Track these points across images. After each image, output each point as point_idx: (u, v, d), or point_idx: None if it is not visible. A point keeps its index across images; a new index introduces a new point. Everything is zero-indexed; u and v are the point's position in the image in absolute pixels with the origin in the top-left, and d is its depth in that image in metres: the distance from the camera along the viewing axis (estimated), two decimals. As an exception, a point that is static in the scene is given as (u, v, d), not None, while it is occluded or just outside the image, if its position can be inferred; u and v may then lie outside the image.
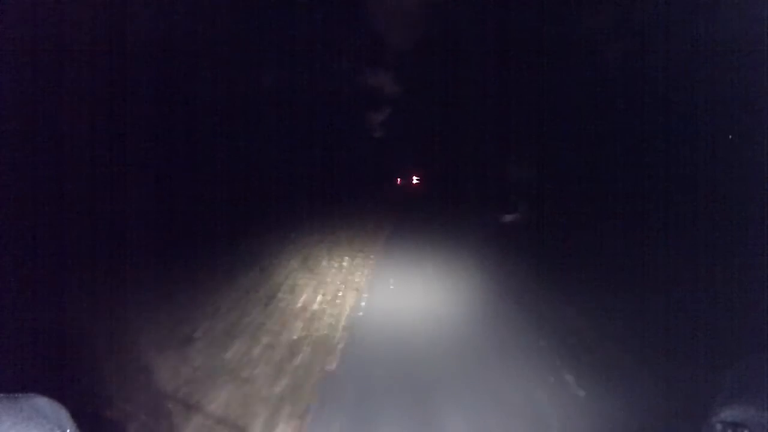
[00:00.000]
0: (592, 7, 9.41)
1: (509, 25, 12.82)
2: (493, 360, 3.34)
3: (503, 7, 13.19)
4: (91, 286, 4.93)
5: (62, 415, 0.60)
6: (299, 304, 4.57)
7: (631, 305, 4.43)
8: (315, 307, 4.49)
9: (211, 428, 2.56)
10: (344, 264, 6.23)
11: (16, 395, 0.57)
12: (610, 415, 2.62)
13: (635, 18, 8.07)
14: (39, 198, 6.00)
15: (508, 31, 12.90)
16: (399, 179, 24.37)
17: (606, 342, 3.66)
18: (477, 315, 4.28)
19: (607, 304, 4.49)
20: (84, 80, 7.27)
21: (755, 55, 5.00)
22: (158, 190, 8.19)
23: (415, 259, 6.72)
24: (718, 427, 0.62)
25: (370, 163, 21.93)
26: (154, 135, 8.12)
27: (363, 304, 4.58)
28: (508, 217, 10.71)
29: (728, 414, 0.62)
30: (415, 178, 23.98)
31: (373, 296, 4.84)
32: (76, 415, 0.64)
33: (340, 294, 4.89)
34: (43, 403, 0.58)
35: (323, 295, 4.85)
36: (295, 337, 3.77)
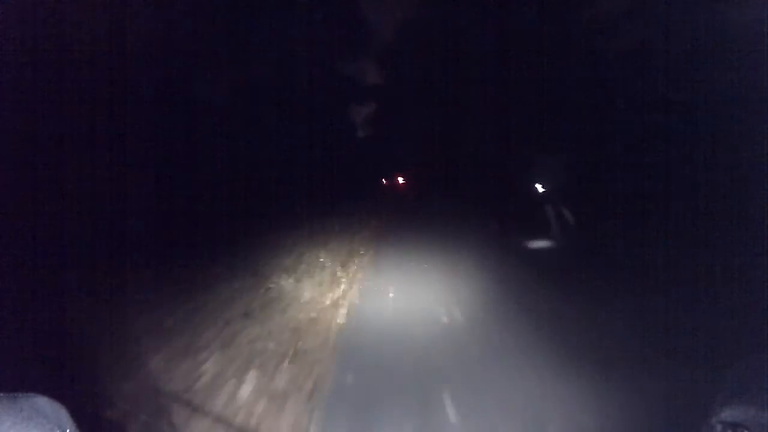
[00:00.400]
0: (591, 5, 9.41)
1: (507, 20, 12.54)
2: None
3: (498, 3, 13.02)
4: (91, 286, 4.93)
5: (62, 415, 0.60)
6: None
7: (630, 305, 4.42)
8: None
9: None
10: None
11: (16, 395, 0.57)
12: (610, 415, 2.62)
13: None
14: (39, 198, 5.99)
15: (506, 24, 12.59)
16: (387, 185, 23.33)
17: (606, 341, 3.66)
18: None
19: (607, 304, 4.49)
20: (83, 80, 7.27)
21: (755, 55, 5.00)
22: (154, 189, 8.18)
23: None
24: (718, 427, 0.62)
25: (355, 166, 20.80)
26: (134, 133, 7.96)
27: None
28: (538, 245, 7.23)
29: (728, 414, 0.62)
30: (401, 178, 22.88)
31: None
32: (76, 415, 0.64)
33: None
34: (43, 403, 0.58)
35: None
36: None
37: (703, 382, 2.51)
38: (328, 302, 4.74)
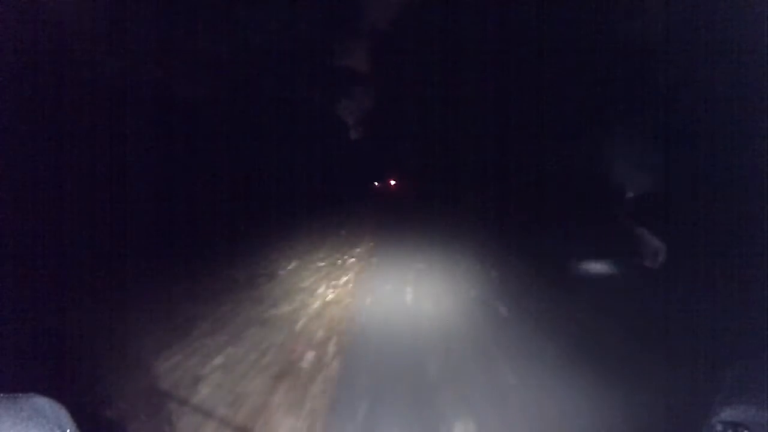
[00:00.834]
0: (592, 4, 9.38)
1: (506, 17, 12.30)
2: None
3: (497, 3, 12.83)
4: (91, 285, 4.93)
5: (62, 415, 0.60)
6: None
7: (630, 305, 4.42)
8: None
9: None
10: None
11: (16, 395, 0.57)
12: (610, 415, 2.62)
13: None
14: (39, 198, 5.99)
15: (506, 22, 12.32)
16: (380, 190, 22.43)
17: (606, 341, 3.66)
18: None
19: (606, 304, 4.49)
20: (84, 79, 7.27)
21: (755, 55, 4.99)
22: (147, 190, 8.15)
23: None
24: (718, 427, 0.62)
25: (346, 169, 19.98)
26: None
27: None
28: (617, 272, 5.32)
29: (728, 414, 0.61)
30: (395, 182, 21.71)
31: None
32: (76, 415, 0.64)
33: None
34: (43, 403, 0.58)
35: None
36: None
37: (703, 382, 2.51)
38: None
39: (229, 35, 12.19)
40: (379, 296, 4.89)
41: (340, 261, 6.63)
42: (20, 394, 0.58)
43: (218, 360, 3.36)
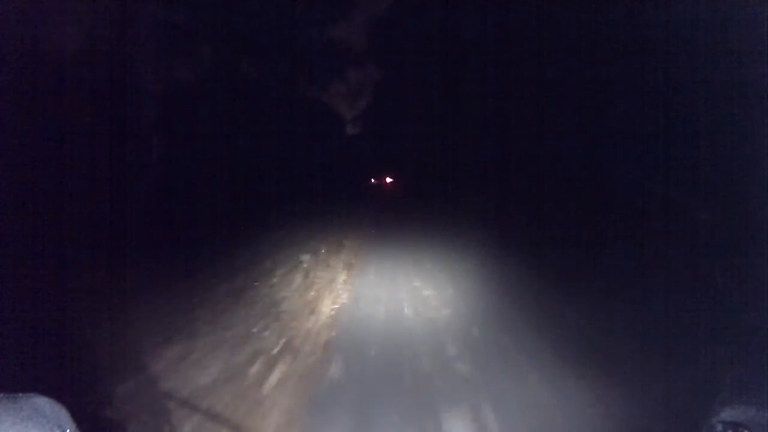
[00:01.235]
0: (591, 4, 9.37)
1: (505, 15, 12.18)
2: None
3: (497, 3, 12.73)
4: (91, 285, 4.94)
5: (62, 415, 0.60)
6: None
7: (630, 305, 4.42)
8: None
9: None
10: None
11: (16, 395, 0.57)
12: (609, 415, 2.62)
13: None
14: (39, 198, 6.00)
15: (505, 19, 12.17)
16: (376, 187, 21.24)
17: (606, 341, 3.66)
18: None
19: (606, 304, 4.49)
20: (84, 79, 7.27)
21: (755, 55, 4.99)
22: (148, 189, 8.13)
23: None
24: (718, 427, 0.62)
25: (342, 165, 19.24)
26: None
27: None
28: None
29: (728, 414, 0.61)
30: (391, 179, 20.48)
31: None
32: (76, 415, 0.64)
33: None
34: (43, 403, 0.58)
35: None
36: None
37: (703, 382, 2.51)
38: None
39: (227, 34, 12.15)
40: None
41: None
42: (20, 394, 0.58)
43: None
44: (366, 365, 3.25)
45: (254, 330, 3.93)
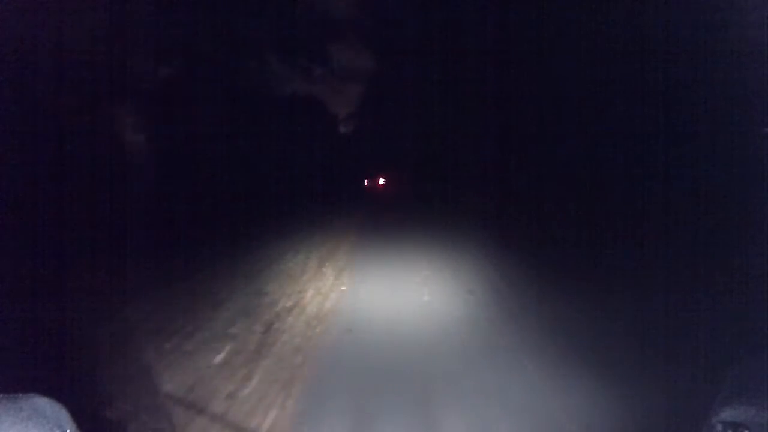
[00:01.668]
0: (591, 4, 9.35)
1: (504, 14, 12.05)
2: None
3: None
4: (91, 285, 4.93)
5: (62, 415, 0.60)
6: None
7: (630, 305, 4.42)
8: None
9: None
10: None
11: (16, 395, 0.57)
12: (609, 415, 2.62)
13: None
14: (39, 197, 6.00)
15: (505, 17, 12.01)
16: (370, 189, 20.39)
17: (605, 341, 3.66)
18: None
19: (606, 305, 4.49)
20: (84, 79, 7.27)
21: (755, 55, 4.99)
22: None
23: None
24: (718, 427, 0.62)
25: (335, 165, 18.38)
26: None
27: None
28: None
29: (728, 414, 0.61)
30: (385, 180, 20.14)
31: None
32: (76, 415, 0.63)
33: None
34: (43, 403, 0.58)
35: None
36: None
37: (703, 382, 2.51)
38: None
39: (225, 32, 12.10)
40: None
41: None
42: (20, 394, 0.58)
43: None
44: None
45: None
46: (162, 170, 9.58)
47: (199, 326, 3.98)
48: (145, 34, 9.41)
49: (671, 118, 7.19)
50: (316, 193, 15.50)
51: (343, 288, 5.35)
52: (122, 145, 8.79)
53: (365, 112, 20.53)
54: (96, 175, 7.44)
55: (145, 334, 3.76)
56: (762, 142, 5.07)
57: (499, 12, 12.20)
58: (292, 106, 16.40)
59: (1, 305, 3.64)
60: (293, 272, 6.02)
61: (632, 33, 7.99)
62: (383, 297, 5.08)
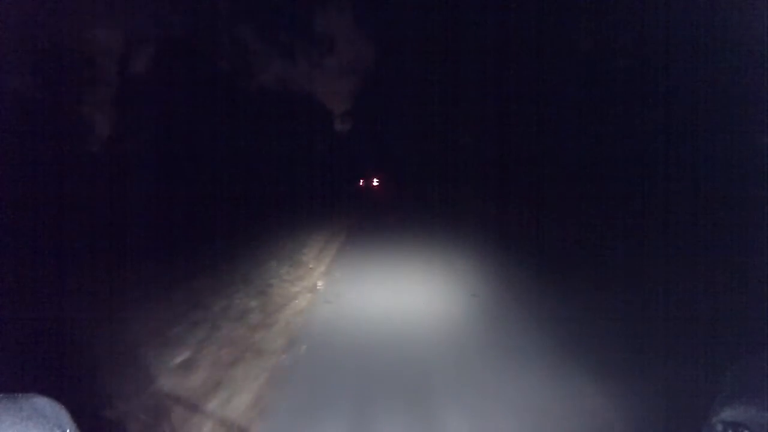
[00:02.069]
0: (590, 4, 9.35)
1: (504, 13, 11.98)
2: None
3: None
4: (91, 285, 4.94)
5: (62, 415, 0.60)
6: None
7: (630, 305, 4.42)
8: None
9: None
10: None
11: (16, 395, 0.57)
12: (609, 415, 2.62)
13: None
14: (39, 198, 6.00)
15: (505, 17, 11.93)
16: (364, 189, 19.95)
17: (605, 341, 3.66)
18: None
19: (606, 304, 4.49)
20: (84, 80, 7.27)
21: (755, 55, 4.99)
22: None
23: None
24: (718, 427, 0.62)
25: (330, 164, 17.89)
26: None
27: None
28: None
29: (728, 414, 0.61)
30: (377, 180, 19.28)
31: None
32: (76, 415, 0.63)
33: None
34: (43, 403, 0.58)
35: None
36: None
37: (703, 382, 2.51)
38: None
39: (223, 30, 12.05)
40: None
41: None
42: (20, 394, 0.58)
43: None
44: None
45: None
46: (153, 170, 9.40)
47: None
48: (147, 32, 9.41)
49: (671, 118, 7.19)
50: (313, 190, 15.23)
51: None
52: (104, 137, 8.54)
53: (362, 110, 20.29)
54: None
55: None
56: (762, 143, 5.07)
57: (500, 10, 12.19)
58: (286, 100, 16.12)
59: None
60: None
61: (632, 33, 7.98)
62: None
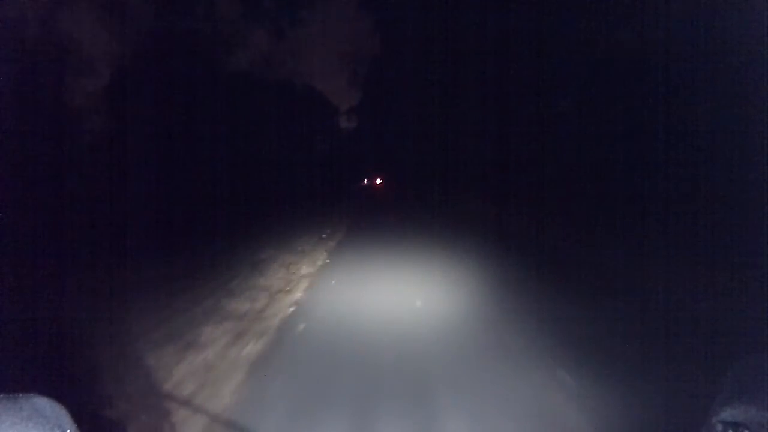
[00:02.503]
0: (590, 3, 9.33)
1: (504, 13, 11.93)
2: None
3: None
4: (91, 285, 4.94)
5: (62, 415, 0.60)
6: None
7: (630, 305, 4.42)
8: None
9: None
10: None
11: (16, 395, 0.57)
12: (610, 415, 2.62)
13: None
14: (39, 197, 6.00)
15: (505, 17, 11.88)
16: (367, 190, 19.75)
17: (605, 341, 3.66)
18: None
19: (607, 305, 4.49)
20: (83, 79, 7.27)
21: (755, 55, 4.99)
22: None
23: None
24: (718, 427, 0.62)
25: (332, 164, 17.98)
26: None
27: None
28: None
29: (728, 414, 0.61)
30: (379, 180, 19.38)
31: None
32: (76, 415, 0.63)
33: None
34: (43, 403, 0.58)
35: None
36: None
37: (703, 382, 2.51)
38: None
39: (223, 30, 12.04)
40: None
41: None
42: (20, 394, 0.58)
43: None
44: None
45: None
46: (153, 169, 9.33)
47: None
48: (150, 32, 9.40)
49: (671, 117, 7.19)
50: (313, 188, 15.18)
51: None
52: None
53: (364, 110, 20.33)
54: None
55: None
56: (762, 141, 5.07)
57: (501, 11, 12.18)
58: (291, 96, 16.05)
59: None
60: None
61: (632, 33, 7.99)
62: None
